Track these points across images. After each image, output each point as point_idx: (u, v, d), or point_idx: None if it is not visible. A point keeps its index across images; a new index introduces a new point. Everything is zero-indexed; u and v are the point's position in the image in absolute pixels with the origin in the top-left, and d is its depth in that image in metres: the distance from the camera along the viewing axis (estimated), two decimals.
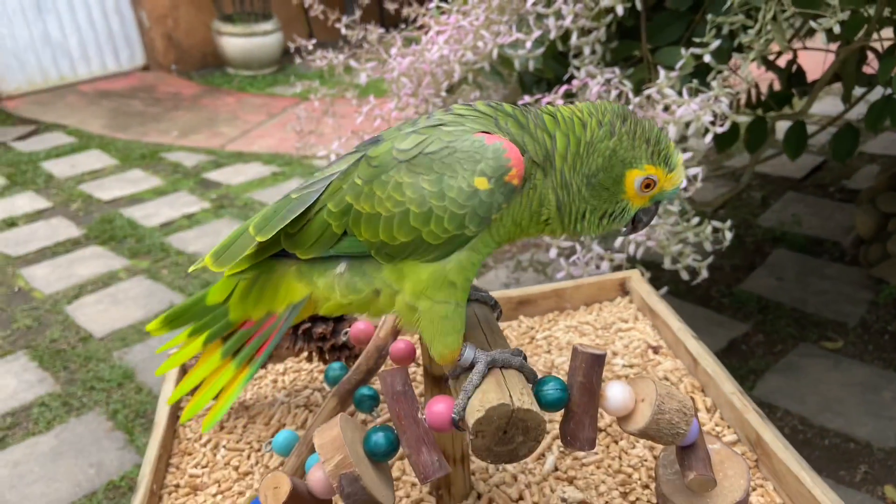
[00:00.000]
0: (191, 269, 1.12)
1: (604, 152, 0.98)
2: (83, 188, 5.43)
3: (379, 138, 1.04)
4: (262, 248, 1.04)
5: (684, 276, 1.87)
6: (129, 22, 8.03)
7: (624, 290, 1.56)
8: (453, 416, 0.87)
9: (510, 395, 0.81)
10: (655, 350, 1.36)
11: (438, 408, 0.85)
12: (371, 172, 0.97)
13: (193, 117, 6.86)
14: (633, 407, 0.86)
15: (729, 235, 1.86)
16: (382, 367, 1.19)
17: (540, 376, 0.92)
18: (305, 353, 1.42)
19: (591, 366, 0.86)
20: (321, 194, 1.01)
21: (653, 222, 1.79)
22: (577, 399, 0.86)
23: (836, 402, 2.88)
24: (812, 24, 1.91)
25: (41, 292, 4.07)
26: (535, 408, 0.82)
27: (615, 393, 0.85)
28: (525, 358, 0.95)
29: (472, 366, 0.94)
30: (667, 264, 1.85)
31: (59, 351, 3.55)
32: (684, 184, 1.01)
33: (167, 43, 8.00)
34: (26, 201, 5.24)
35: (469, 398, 0.87)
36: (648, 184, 0.99)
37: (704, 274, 1.86)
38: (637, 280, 1.52)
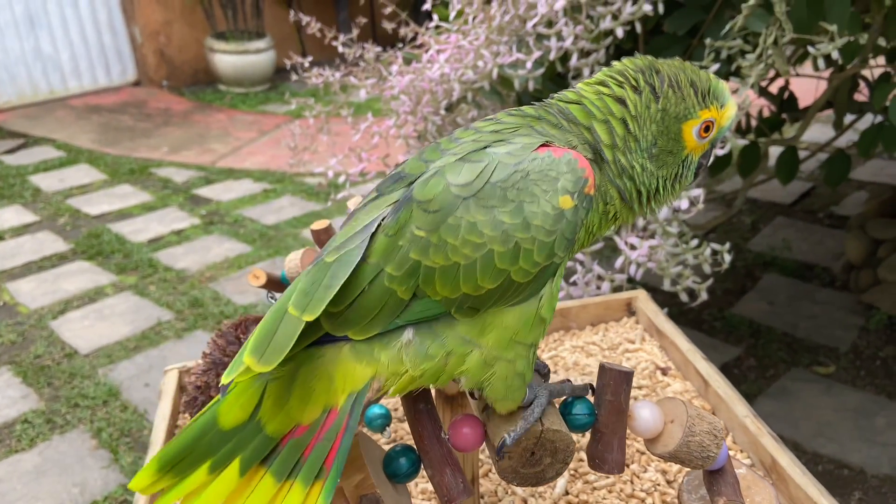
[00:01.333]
0: (224, 380, 0.85)
1: (655, 118, 0.92)
2: (71, 202, 5.37)
3: (401, 174, 0.91)
4: (300, 337, 0.83)
5: (684, 297, 1.86)
6: (121, 37, 8.01)
7: (630, 310, 1.55)
8: (506, 440, 0.81)
9: (540, 417, 0.79)
10: (664, 371, 1.34)
11: (466, 430, 0.82)
12: (432, 219, 0.84)
13: (184, 133, 6.83)
14: (663, 428, 0.84)
15: (728, 258, 1.86)
16: None
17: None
18: None
19: (619, 383, 0.84)
20: (364, 253, 0.85)
21: (654, 242, 1.79)
22: (605, 419, 0.84)
23: (829, 428, 2.87)
24: (810, 49, 1.93)
25: (26, 307, 4.00)
26: (565, 429, 0.80)
27: (644, 414, 0.83)
28: (569, 380, 0.92)
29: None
30: (666, 286, 1.84)
31: (43, 367, 3.48)
32: (735, 118, 0.97)
33: (159, 59, 7.99)
34: (13, 215, 5.18)
35: (527, 430, 0.83)
36: (707, 126, 0.94)
37: (704, 296, 1.86)
38: (644, 300, 1.51)
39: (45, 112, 7.41)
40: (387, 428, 0.95)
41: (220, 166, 6.07)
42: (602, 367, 0.86)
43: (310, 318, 0.81)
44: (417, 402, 0.83)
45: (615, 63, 0.97)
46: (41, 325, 3.82)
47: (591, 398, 0.90)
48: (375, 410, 0.94)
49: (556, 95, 0.98)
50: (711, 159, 1.02)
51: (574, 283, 1.83)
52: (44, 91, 7.71)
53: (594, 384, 0.91)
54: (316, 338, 0.87)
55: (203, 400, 1.16)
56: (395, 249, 0.84)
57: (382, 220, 0.86)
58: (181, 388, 1.35)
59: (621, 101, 0.92)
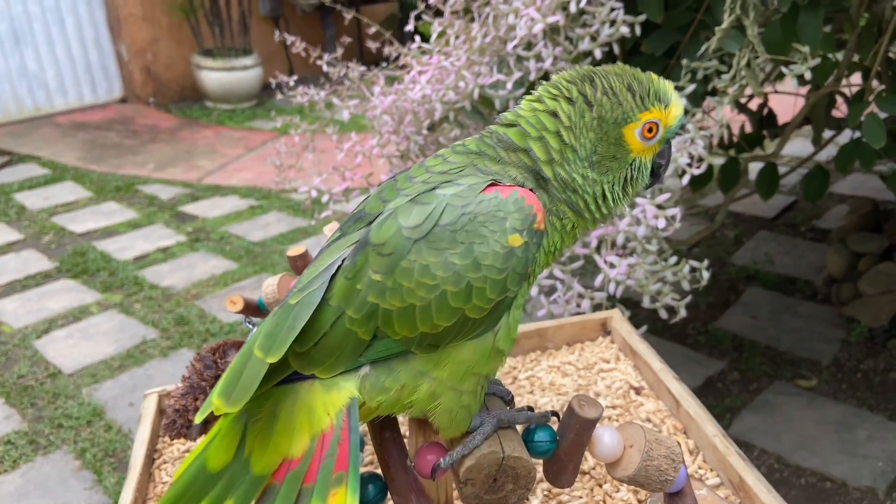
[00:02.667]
0: (197, 420, 0.90)
1: (591, 126, 0.92)
2: (56, 220, 5.35)
3: (362, 213, 0.95)
4: (267, 376, 0.87)
5: (663, 314, 1.89)
6: (107, 54, 8.02)
7: (605, 329, 1.57)
8: (441, 463, 0.84)
9: (501, 443, 0.80)
10: (637, 391, 1.36)
11: (430, 458, 0.84)
12: (387, 263, 0.87)
13: (170, 150, 6.83)
14: (622, 453, 0.86)
15: (706, 275, 1.88)
16: None
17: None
18: None
19: (584, 427, 0.86)
20: (325, 295, 0.88)
21: (633, 261, 1.81)
22: (565, 449, 0.86)
23: (812, 441, 2.90)
24: (784, 70, 1.97)
25: (10, 326, 3.98)
26: (526, 455, 0.81)
27: (605, 439, 0.85)
28: (531, 408, 0.93)
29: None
30: (646, 303, 1.87)
31: (26, 387, 3.46)
32: (683, 117, 0.97)
33: (146, 76, 8.00)
34: None
35: (466, 455, 0.84)
36: (651, 128, 0.94)
37: (683, 313, 1.88)
38: (618, 320, 1.53)
39: (30, 129, 7.39)
40: (359, 452, 0.96)
41: (207, 183, 6.07)
42: (570, 409, 0.87)
43: (273, 359, 0.85)
44: (384, 431, 0.85)
45: (553, 76, 0.98)
46: (25, 345, 3.79)
47: (553, 425, 0.91)
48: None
49: (498, 118, 0.99)
50: (668, 161, 1.01)
51: (555, 301, 1.85)
52: (29, 108, 7.69)
53: (558, 412, 0.93)
54: (285, 376, 0.90)
55: (182, 423, 1.16)
56: (354, 293, 0.88)
57: (343, 261, 0.90)
58: (161, 411, 1.36)
59: (554, 115, 0.93)
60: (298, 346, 0.88)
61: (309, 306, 0.87)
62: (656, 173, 1.00)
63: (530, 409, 0.92)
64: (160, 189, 5.94)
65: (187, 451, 1.29)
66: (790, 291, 3.98)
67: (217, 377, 1.16)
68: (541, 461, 0.92)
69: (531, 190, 0.93)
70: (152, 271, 4.56)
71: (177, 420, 1.15)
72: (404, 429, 1.34)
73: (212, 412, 0.88)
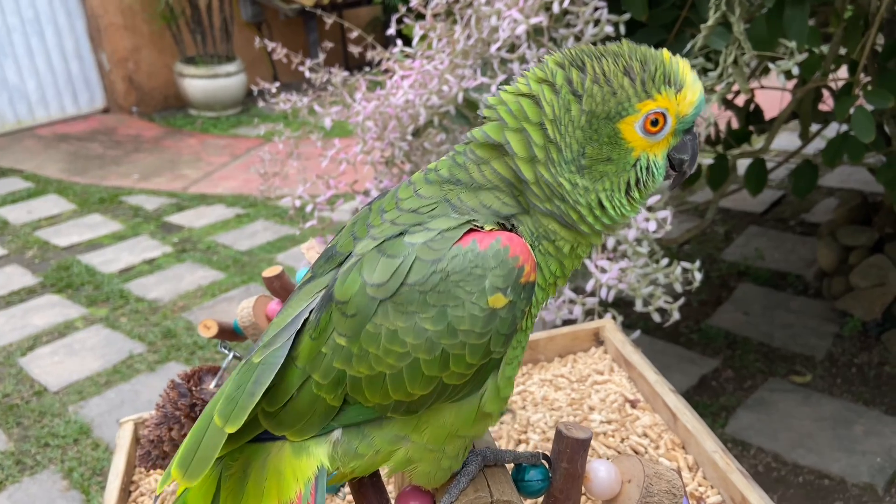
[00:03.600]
0: (158, 491, 0.85)
1: (578, 122, 0.77)
2: (39, 234, 5.28)
3: (333, 252, 0.86)
4: (239, 433, 0.81)
5: (656, 318, 1.86)
6: (88, 65, 7.94)
7: (598, 339, 1.53)
8: None
9: (489, 486, 0.76)
10: (633, 404, 1.32)
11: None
12: (351, 325, 0.77)
13: (155, 159, 6.76)
14: (620, 489, 0.80)
15: (698, 276, 1.85)
16: None
17: (517, 440, 0.87)
18: None
19: (576, 450, 0.80)
20: (292, 353, 0.81)
21: (624, 264, 1.77)
22: (560, 486, 0.80)
23: (808, 438, 2.88)
24: (770, 66, 1.94)
25: None
26: (516, 497, 0.76)
27: (601, 474, 0.80)
28: (520, 469, 0.85)
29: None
30: (638, 307, 1.83)
31: (11, 406, 3.39)
32: (702, 102, 0.80)
33: (128, 85, 7.92)
34: None
35: (453, 502, 0.78)
36: (655, 120, 0.78)
37: (676, 316, 1.85)
38: (611, 329, 1.49)
39: (12, 142, 7.30)
40: (341, 489, 0.92)
41: (192, 192, 6.00)
42: (559, 434, 0.81)
43: (232, 429, 0.79)
44: (362, 477, 0.80)
45: (546, 58, 0.82)
46: (10, 363, 3.73)
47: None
48: None
49: (482, 112, 0.85)
50: (694, 154, 0.84)
51: (546, 308, 1.81)
52: (10, 121, 7.60)
53: (547, 454, 0.86)
54: (255, 434, 0.84)
55: (157, 455, 1.12)
56: (319, 356, 0.79)
57: (310, 313, 0.82)
58: (136, 439, 1.31)
59: (537, 103, 0.79)
60: (268, 405, 0.82)
61: (272, 367, 0.80)
62: (679, 169, 0.84)
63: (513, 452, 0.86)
64: (145, 199, 5.87)
65: None
66: (782, 286, 3.96)
67: (192, 406, 1.12)
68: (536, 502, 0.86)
69: (513, 225, 0.80)
70: (138, 284, 4.50)
71: (151, 451, 1.11)
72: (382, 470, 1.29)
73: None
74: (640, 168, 0.80)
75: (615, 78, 0.77)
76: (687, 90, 0.78)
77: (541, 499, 0.85)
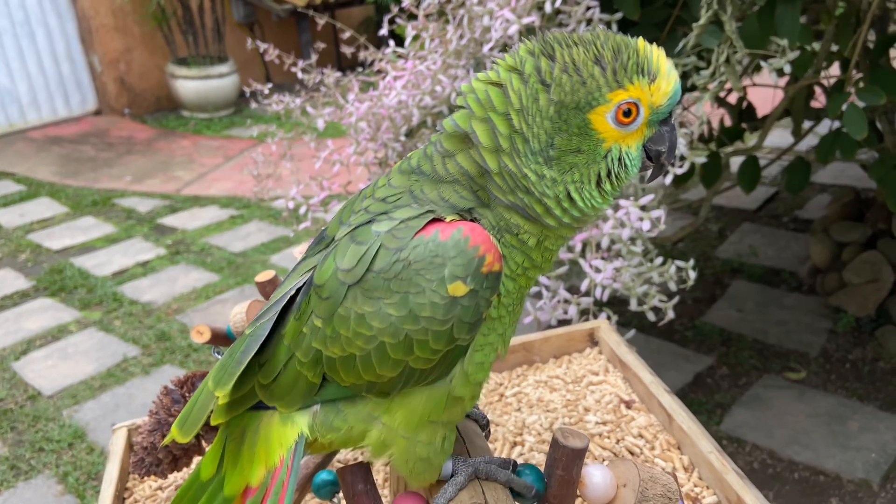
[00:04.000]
0: (164, 444, 0.95)
1: (547, 113, 0.75)
2: (32, 238, 5.25)
3: (323, 235, 0.90)
4: (239, 401, 0.88)
5: (651, 317, 1.86)
6: (80, 67, 7.90)
7: (593, 340, 1.53)
8: None
9: (483, 492, 0.75)
10: (628, 405, 1.32)
11: None
12: (326, 307, 0.80)
13: (147, 161, 6.74)
14: (615, 494, 0.80)
15: (693, 275, 1.85)
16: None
17: (512, 442, 0.87)
18: None
19: (571, 459, 0.80)
20: (277, 330, 0.85)
21: (619, 264, 1.77)
22: (555, 492, 0.80)
23: (803, 434, 2.89)
24: (763, 64, 1.94)
25: None
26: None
27: (596, 479, 0.80)
28: (515, 467, 0.85)
29: (451, 474, 0.83)
30: (633, 306, 1.83)
31: (5, 411, 3.38)
32: (677, 91, 0.78)
33: (120, 87, 7.89)
34: None
35: None
36: (628, 110, 0.76)
37: (671, 315, 1.85)
38: (606, 330, 1.49)
39: (3, 145, 7.26)
40: (336, 495, 0.92)
41: (186, 194, 5.98)
42: (555, 442, 0.81)
43: (221, 393, 0.84)
44: (356, 483, 0.80)
45: (519, 46, 0.81)
46: (3, 367, 3.71)
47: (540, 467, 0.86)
48: (323, 477, 0.91)
49: (455, 101, 0.86)
50: (672, 144, 0.81)
51: (541, 308, 1.81)
52: (2, 124, 7.56)
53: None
54: (253, 403, 0.88)
55: (150, 461, 1.11)
56: (300, 336, 0.83)
57: (296, 292, 0.86)
58: (130, 446, 1.30)
59: (504, 93, 0.77)
60: (262, 377, 0.86)
61: (257, 339, 0.84)
62: (656, 161, 0.82)
63: (514, 463, 0.85)
64: (138, 202, 5.85)
65: (160, 488, 1.23)
66: (775, 283, 3.97)
67: None
68: None
69: (474, 218, 0.80)
70: (132, 286, 4.48)
71: (145, 458, 1.10)
72: (379, 477, 1.28)
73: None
74: (612, 159, 0.78)
75: (585, 67, 0.75)
76: (661, 80, 0.76)
77: None
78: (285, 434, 0.87)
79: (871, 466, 2.69)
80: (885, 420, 2.91)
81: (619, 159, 0.78)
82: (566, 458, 0.80)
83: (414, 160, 0.85)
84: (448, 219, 0.79)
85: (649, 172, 0.84)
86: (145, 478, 1.18)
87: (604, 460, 1.19)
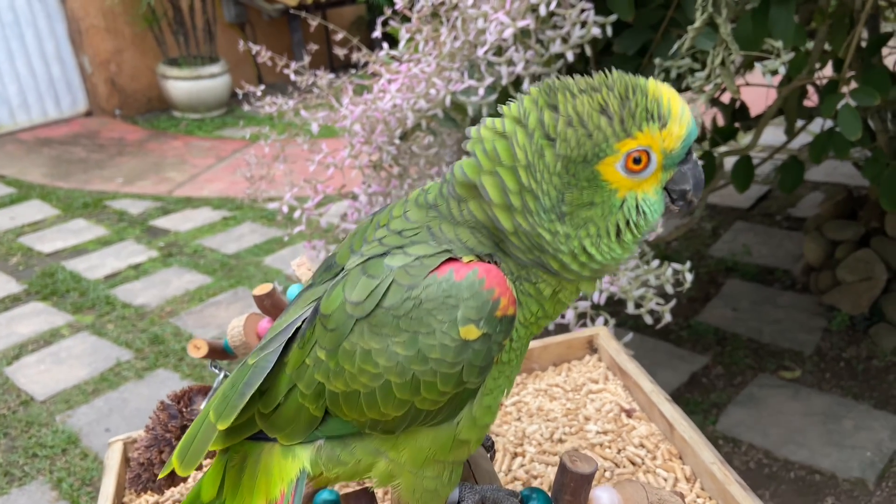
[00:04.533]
0: (161, 475, 0.92)
1: (554, 169, 0.72)
2: (23, 241, 5.22)
3: (332, 263, 0.87)
4: (238, 428, 0.86)
5: (648, 320, 1.85)
6: (70, 68, 7.85)
7: (592, 347, 1.52)
8: None
9: None
10: (629, 414, 1.32)
11: None
12: (331, 339, 0.78)
13: (139, 163, 6.70)
14: None
15: (689, 277, 1.85)
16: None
17: (513, 453, 0.86)
18: None
19: (580, 485, 0.78)
20: (280, 358, 0.82)
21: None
22: None
23: (799, 434, 2.89)
24: (758, 65, 1.94)
25: None
26: None
27: (602, 502, 0.78)
28: (523, 500, 0.83)
29: (458, 502, 0.82)
30: (630, 309, 1.83)
31: None
32: (692, 133, 0.75)
33: (110, 88, 7.84)
34: None
35: None
36: (638, 158, 0.72)
37: (668, 318, 1.85)
38: (605, 337, 1.48)
39: None
40: None
41: (178, 195, 5.95)
42: (563, 467, 0.79)
43: (223, 426, 0.81)
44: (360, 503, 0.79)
45: (521, 96, 0.77)
46: None
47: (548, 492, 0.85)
48: (324, 497, 0.90)
49: (465, 146, 0.81)
50: (698, 182, 0.77)
51: None
52: None
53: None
54: (253, 433, 0.86)
55: (147, 478, 1.10)
56: (303, 366, 0.80)
57: (302, 322, 0.83)
58: (126, 460, 1.29)
59: (512, 148, 0.74)
60: (262, 407, 0.84)
61: (262, 371, 0.82)
62: (683, 199, 0.78)
63: (520, 497, 0.83)
64: (130, 204, 5.81)
65: (157, 503, 1.21)
66: (769, 282, 3.98)
67: (183, 427, 1.10)
68: None
69: (493, 261, 0.77)
70: (124, 290, 4.45)
71: (141, 474, 1.09)
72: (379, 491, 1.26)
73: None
74: (629, 209, 0.75)
75: (591, 119, 0.71)
76: (673, 124, 0.73)
77: None
78: (286, 468, 0.85)
79: (866, 465, 2.70)
80: (879, 418, 2.92)
81: (637, 207, 0.75)
82: (574, 484, 0.78)
83: (431, 195, 0.83)
84: (465, 259, 0.77)
85: (678, 210, 0.81)
86: (142, 493, 1.17)
87: (605, 471, 1.18)
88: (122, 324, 4.06)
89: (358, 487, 0.85)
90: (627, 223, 0.75)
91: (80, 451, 3.12)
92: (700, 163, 0.80)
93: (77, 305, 4.28)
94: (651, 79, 0.75)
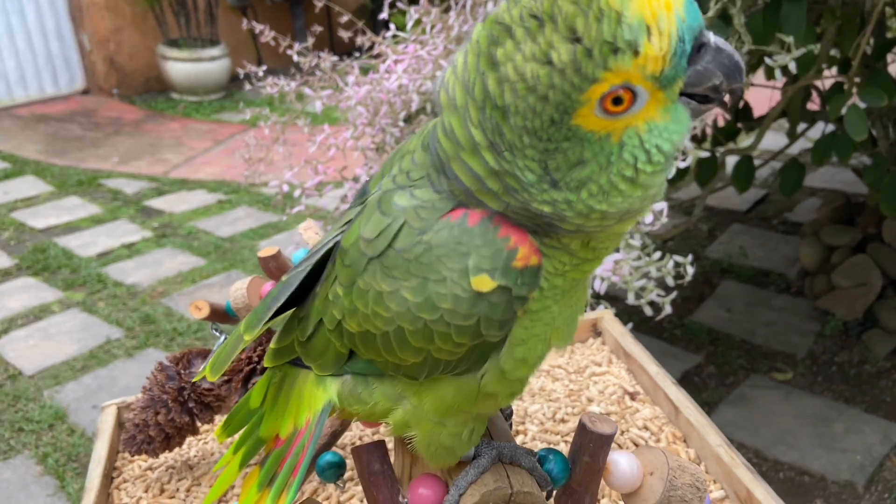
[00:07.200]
0: (195, 379, 0.96)
1: (520, 143, 0.61)
2: (16, 216, 5.17)
3: (365, 188, 0.82)
4: (283, 351, 0.85)
5: (648, 311, 1.84)
6: (69, 45, 7.78)
7: (596, 330, 1.51)
8: None
9: (508, 477, 0.72)
10: (633, 396, 1.31)
11: (424, 492, 0.75)
12: (347, 275, 0.73)
13: (135, 143, 6.65)
14: (642, 482, 0.75)
15: (691, 270, 1.84)
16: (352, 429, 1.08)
17: (515, 431, 0.84)
18: None
19: (599, 445, 0.75)
20: (315, 289, 0.80)
21: (618, 256, 1.75)
22: (579, 478, 0.76)
23: (789, 435, 2.89)
24: (768, 61, 1.93)
25: None
26: (536, 490, 0.73)
27: (622, 466, 0.75)
28: (540, 461, 0.79)
29: (473, 456, 0.78)
30: (630, 300, 1.82)
31: None
32: (682, 40, 0.58)
33: (109, 66, 7.78)
34: None
35: (461, 494, 0.74)
36: (618, 98, 0.58)
37: (668, 309, 1.84)
38: (609, 321, 1.47)
39: None
40: (341, 478, 0.89)
41: (173, 177, 5.91)
42: (582, 426, 0.76)
43: (249, 337, 0.80)
44: (372, 464, 0.76)
45: (474, 31, 0.63)
46: None
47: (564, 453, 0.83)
48: (328, 459, 0.87)
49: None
50: (725, 70, 0.60)
51: None
52: None
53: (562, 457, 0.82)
54: (293, 357, 0.86)
55: (142, 439, 1.08)
56: (326, 300, 0.78)
57: (335, 245, 0.80)
58: (120, 424, 1.27)
59: (464, 124, 0.64)
60: (300, 334, 0.83)
61: (288, 287, 0.80)
62: (717, 94, 0.62)
63: (540, 460, 0.80)
64: (125, 183, 5.77)
65: (150, 468, 1.19)
66: (764, 284, 3.98)
67: (180, 389, 1.08)
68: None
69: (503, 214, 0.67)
70: (116, 268, 4.42)
71: (136, 435, 1.07)
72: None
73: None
74: (631, 152, 0.61)
75: (538, 80, 0.57)
76: (651, 42, 0.55)
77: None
78: (316, 396, 0.83)
79: (856, 468, 2.70)
80: (870, 423, 2.93)
81: (642, 146, 0.60)
82: (594, 445, 0.75)
83: (432, 141, 0.72)
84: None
85: (717, 105, 0.64)
86: (135, 456, 1.15)
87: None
88: (114, 302, 4.03)
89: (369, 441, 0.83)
90: (635, 166, 0.61)
91: (66, 426, 3.09)
92: (723, 43, 0.61)
93: (68, 282, 4.24)
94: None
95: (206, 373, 0.82)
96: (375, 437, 1.22)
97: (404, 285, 0.69)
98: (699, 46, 0.60)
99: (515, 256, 0.66)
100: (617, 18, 0.55)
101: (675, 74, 0.59)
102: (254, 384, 1.10)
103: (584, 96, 0.57)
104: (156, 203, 5.40)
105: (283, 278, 0.82)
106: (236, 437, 0.92)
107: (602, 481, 0.76)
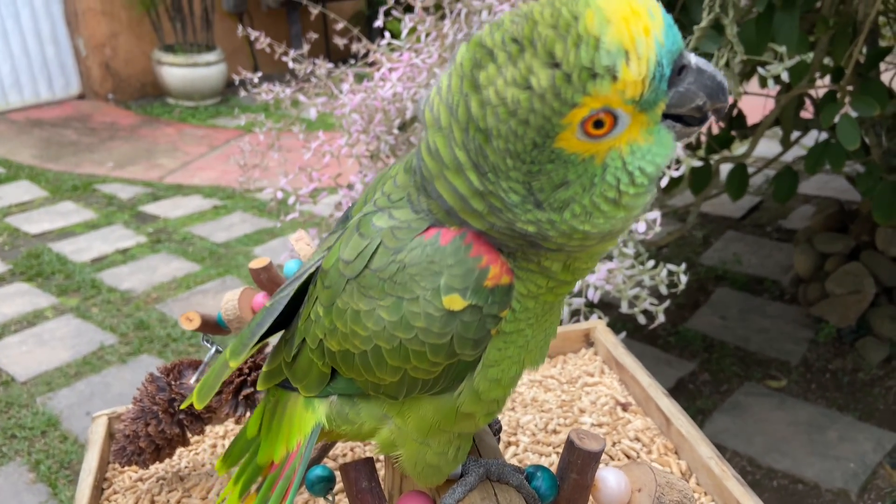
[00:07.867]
0: (182, 406, 0.96)
1: (504, 165, 0.61)
2: (10, 221, 5.15)
3: (348, 214, 0.84)
4: (273, 373, 0.86)
5: (641, 320, 1.85)
6: (64, 50, 7.78)
7: (588, 341, 1.51)
8: None
9: (496, 495, 0.72)
10: (625, 407, 1.31)
11: None
12: (327, 296, 0.75)
13: (130, 148, 6.64)
14: (629, 498, 0.76)
15: (684, 279, 1.85)
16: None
17: (507, 442, 0.84)
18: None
19: (587, 462, 0.75)
20: (297, 307, 0.81)
21: (612, 265, 1.76)
22: (567, 495, 0.77)
23: (783, 443, 2.90)
24: (760, 70, 1.94)
25: None
26: None
27: (610, 483, 0.76)
28: (528, 477, 0.80)
29: (461, 474, 0.79)
30: (624, 308, 1.82)
31: None
32: (661, 65, 0.59)
33: (104, 72, 7.77)
34: None
35: None
36: (599, 122, 0.58)
37: (661, 318, 1.84)
38: (602, 331, 1.48)
39: None
40: (329, 492, 0.89)
41: (169, 182, 5.90)
42: (570, 443, 0.77)
43: (234, 363, 0.81)
44: (360, 481, 0.77)
45: (459, 51, 0.64)
46: None
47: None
48: (317, 473, 0.87)
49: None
50: (708, 88, 0.61)
51: None
52: None
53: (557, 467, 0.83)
54: (281, 379, 0.87)
55: (132, 450, 1.07)
56: (308, 321, 0.79)
57: (316, 269, 0.82)
58: (111, 434, 1.26)
59: (449, 144, 0.64)
60: (286, 355, 0.84)
61: (272, 312, 0.81)
62: (701, 114, 0.62)
63: (527, 477, 0.81)
64: (119, 188, 5.76)
65: (140, 479, 1.19)
66: (758, 291, 3.99)
67: (171, 400, 1.07)
68: None
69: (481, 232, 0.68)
70: (111, 274, 4.40)
71: (126, 447, 1.06)
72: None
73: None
74: (614, 174, 0.61)
75: (518, 104, 0.58)
76: (629, 66, 0.56)
77: None
78: (306, 419, 0.84)
79: (849, 476, 2.70)
80: (863, 430, 2.93)
81: (624, 167, 0.61)
82: (581, 462, 0.75)
83: (415, 161, 0.73)
84: (450, 226, 0.70)
85: (703, 125, 0.64)
86: (126, 467, 1.14)
87: (605, 464, 1.17)
88: (107, 308, 4.02)
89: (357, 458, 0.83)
90: (618, 188, 0.62)
91: (59, 433, 3.08)
92: (705, 64, 0.62)
93: (62, 288, 4.23)
94: (586, 6, 0.57)
95: (193, 400, 0.83)
96: (366, 450, 1.21)
97: (380, 304, 0.70)
98: (680, 68, 0.61)
99: (487, 276, 0.67)
100: (595, 44, 0.56)
101: (656, 98, 0.60)
102: (244, 396, 1.11)
103: (564, 120, 0.58)
104: (150, 208, 5.39)
105: (268, 304, 0.83)
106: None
107: (590, 498, 0.76)
